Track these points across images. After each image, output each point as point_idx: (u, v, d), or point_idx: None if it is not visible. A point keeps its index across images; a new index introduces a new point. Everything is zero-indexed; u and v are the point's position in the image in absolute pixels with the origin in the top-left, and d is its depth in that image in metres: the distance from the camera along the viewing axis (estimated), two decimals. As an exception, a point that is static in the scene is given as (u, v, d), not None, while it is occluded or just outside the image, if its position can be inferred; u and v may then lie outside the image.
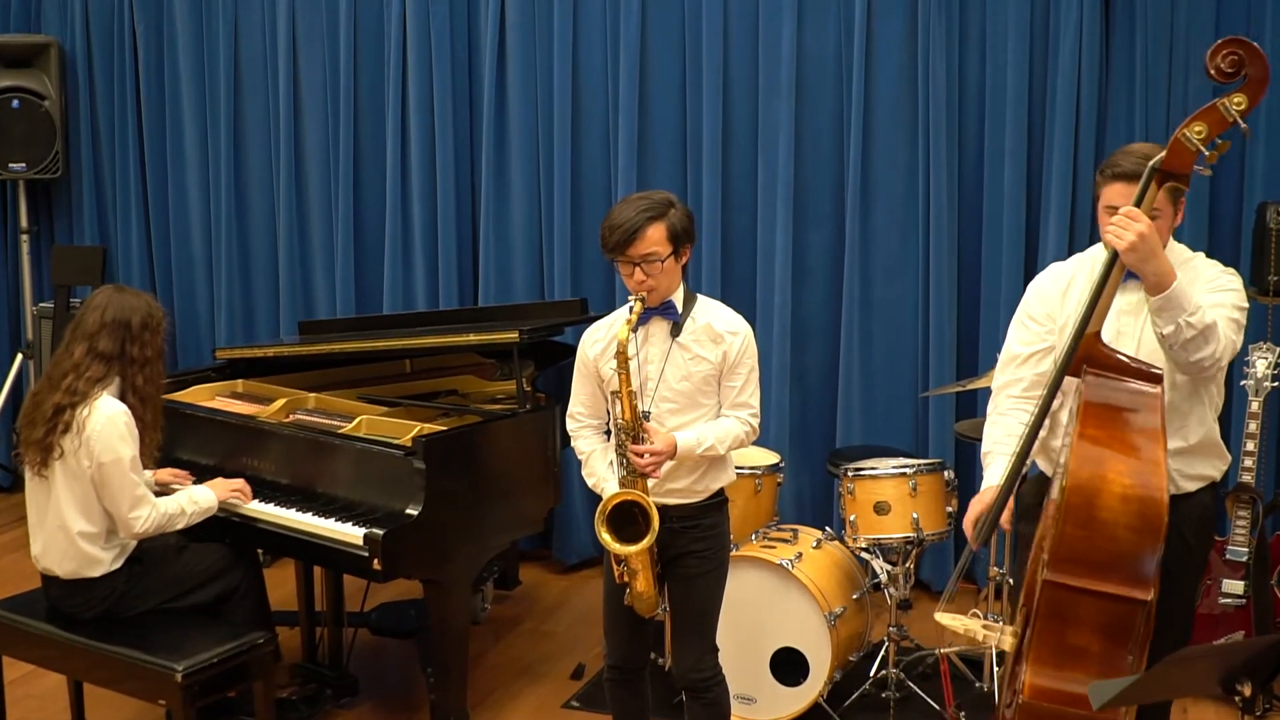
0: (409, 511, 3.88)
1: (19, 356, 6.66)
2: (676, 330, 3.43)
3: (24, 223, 6.79)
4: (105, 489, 3.77)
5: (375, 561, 3.80)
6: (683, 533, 3.48)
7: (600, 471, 3.52)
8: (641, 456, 3.29)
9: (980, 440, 4.67)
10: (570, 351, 4.89)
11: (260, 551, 4.44)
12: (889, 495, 4.43)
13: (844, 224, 5.62)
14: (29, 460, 3.82)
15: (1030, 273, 5.42)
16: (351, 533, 3.91)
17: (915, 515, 4.40)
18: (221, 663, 3.75)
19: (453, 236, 6.08)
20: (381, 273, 6.21)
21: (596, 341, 3.51)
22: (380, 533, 3.80)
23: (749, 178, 5.72)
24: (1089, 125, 5.29)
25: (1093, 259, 3.29)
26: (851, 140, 5.52)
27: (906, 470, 4.46)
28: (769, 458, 4.83)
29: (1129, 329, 3.17)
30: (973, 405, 5.43)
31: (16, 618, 3.99)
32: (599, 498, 3.39)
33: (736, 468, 3.78)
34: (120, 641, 3.81)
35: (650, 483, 3.37)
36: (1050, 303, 3.32)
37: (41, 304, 6.60)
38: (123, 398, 3.83)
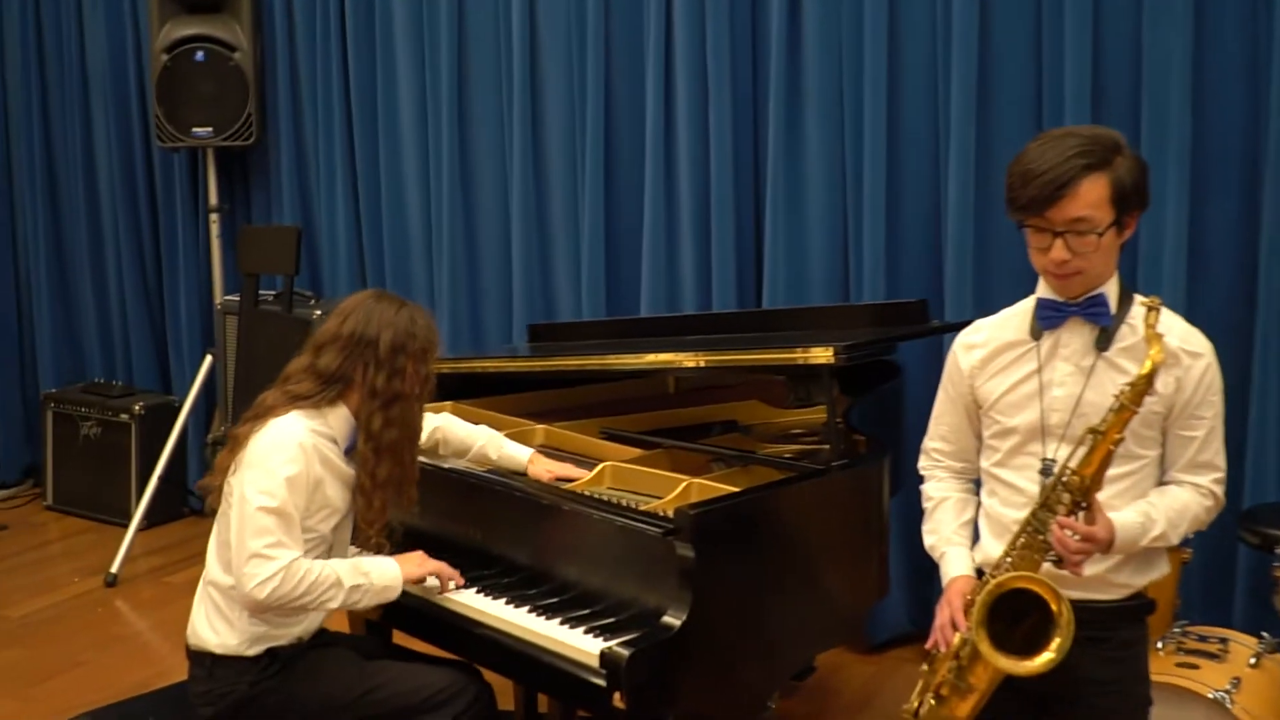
0: (668, 621, 2.66)
1: (207, 359, 5.89)
2: (1104, 341, 2.45)
3: (213, 199, 6.02)
4: (236, 526, 2.86)
5: (616, 695, 2.63)
6: (1083, 648, 2.35)
7: (946, 531, 2.66)
8: (1074, 537, 2.33)
9: None
10: (898, 373, 3.91)
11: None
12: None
13: (1258, 196, 4.17)
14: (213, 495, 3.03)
15: None
16: (582, 645, 2.76)
17: None
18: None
19: (730, 219, 4.92)
20: (639, 265, 5.17)
21: (974, 347, 2.62)
22: (626, 651, 2.60)
23: (1129, 130, 4.24)
24: None
25: None
26: (1274, 85, 4.03)
27: None
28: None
29: None
30: None
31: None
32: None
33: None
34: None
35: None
36: None
37: (226, 297, 5.87)
38: (353, 448, 2.98)
